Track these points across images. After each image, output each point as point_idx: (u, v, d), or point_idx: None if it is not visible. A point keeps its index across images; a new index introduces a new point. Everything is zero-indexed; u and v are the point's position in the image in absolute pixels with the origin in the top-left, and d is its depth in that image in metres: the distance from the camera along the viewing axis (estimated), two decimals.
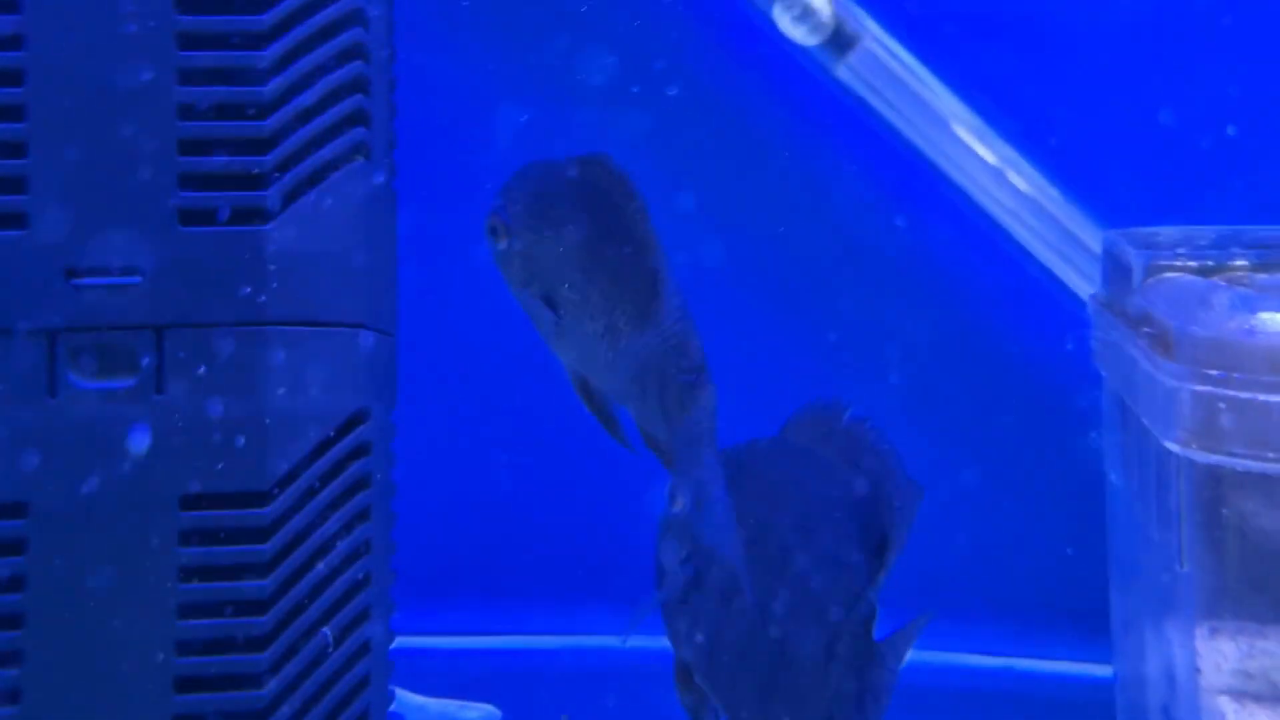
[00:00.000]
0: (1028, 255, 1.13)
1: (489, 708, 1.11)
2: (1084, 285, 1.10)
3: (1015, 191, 1.12)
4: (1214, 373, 0.70)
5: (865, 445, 0.83)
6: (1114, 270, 0.97)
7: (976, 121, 1.12)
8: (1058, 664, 1.17)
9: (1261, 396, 0.69)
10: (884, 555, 0.82)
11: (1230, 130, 1.13)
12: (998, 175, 1.12)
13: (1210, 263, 0.87)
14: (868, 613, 0.81)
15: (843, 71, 1.13)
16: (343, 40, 0.76)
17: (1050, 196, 1.13)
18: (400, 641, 0.81)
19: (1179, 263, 0.87)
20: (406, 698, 1.08)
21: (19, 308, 0.71)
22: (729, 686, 0.81)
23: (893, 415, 1.16)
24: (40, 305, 0.71)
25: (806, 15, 1.11)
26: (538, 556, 1.18)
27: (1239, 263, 0.86)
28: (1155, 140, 1.16)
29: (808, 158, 1.18)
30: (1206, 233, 0.97)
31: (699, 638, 0.79)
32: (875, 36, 1.13)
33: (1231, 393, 0.69)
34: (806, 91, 1.16)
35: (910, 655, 1.14)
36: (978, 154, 1.12)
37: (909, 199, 1.17)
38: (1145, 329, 0.79)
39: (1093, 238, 1.10)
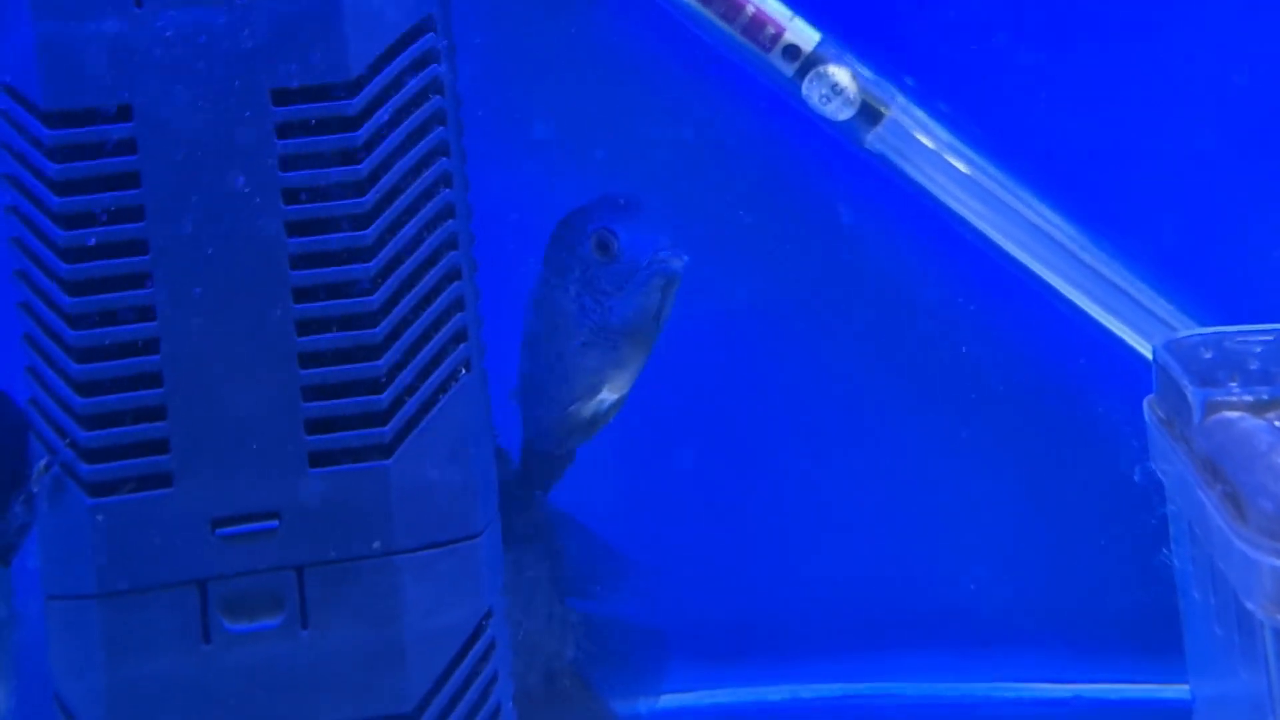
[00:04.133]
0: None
1: None
2: (1123, 327, 1.14)
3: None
4: None
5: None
6: (1167, 386, 1.01)
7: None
8: (1126, 687, 1.20)
9: None
10: None
11: None
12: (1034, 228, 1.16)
13: (1265, 396, 0.91)
14: None
15: (873, 141, 1.17)
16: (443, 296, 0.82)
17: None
18: None
19: (1234, 398, 0.91)
20: None
21: (171, 561, 0.76)
22: None
23: (946, 456, 1.21)
24: (190, 557, 0.76)
25: (835, 93, 1.16)
26: None
27: None
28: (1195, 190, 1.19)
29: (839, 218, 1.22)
30: (1252, 345, 1.01)
31: None
32: (903, 106, 1.17)
33: None
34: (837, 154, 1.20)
35: (981, 689, 1.19)
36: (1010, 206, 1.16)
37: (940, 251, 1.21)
38: (1212, 478, 0.84)
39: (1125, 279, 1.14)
